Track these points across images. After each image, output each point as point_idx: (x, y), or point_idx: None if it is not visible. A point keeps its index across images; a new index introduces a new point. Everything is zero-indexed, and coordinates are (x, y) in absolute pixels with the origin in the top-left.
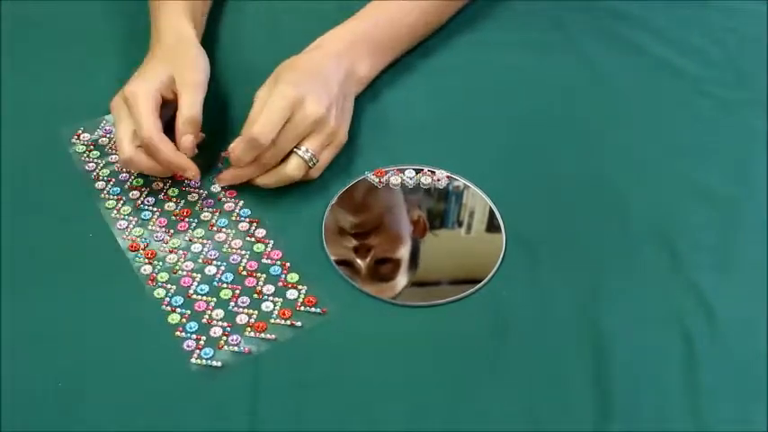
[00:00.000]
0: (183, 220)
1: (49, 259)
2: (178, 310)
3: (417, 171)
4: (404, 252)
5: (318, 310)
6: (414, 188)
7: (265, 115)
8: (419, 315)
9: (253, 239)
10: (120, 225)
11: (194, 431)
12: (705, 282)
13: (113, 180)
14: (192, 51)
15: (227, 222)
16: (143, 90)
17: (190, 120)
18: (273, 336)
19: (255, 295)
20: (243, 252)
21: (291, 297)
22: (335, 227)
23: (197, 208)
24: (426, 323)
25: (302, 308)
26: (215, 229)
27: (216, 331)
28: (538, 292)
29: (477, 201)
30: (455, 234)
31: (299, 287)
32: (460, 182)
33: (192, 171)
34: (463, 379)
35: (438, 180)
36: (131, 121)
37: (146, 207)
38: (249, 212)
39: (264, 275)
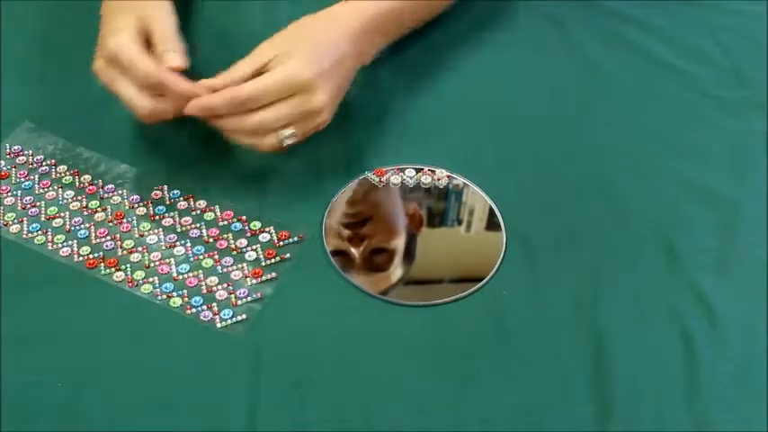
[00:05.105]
0: (121, 222)
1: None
2: (174, 293)
3: (417, 170)
4: (398, 243)
5: (296, 239)
6: (414, 187)
7: (264, 82)
8: (418, 315)
9: (198, 212)
10: (65, 252)
11: (194, 431)
12: (705, 282)
13: (25, 220)
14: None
15: (164, 209)
16: (126, 38)
17: (166, 38)
18: (274, 274)
19: (234, 252)
20: (197, 225)
21: (266, 239)
22: (335, 225)
23: (127, 207)
24: (426, 323)
25: (281, 243)
26: (157, 217)
27: (221, 294)
28: (538, 292)
29: (477, 199)
30: (455, 232)
31: (267, 229)
32: (460, 181)
33: (202, 90)
34: (463, 379)
35: (438, 179)
36: (129, 76)
37: (77, 227)
38: (179, 192)
39: (230, 234)
